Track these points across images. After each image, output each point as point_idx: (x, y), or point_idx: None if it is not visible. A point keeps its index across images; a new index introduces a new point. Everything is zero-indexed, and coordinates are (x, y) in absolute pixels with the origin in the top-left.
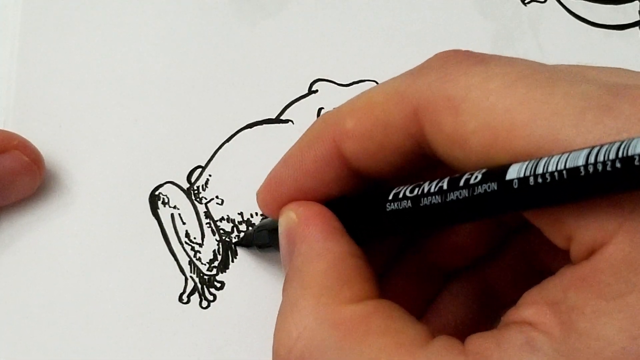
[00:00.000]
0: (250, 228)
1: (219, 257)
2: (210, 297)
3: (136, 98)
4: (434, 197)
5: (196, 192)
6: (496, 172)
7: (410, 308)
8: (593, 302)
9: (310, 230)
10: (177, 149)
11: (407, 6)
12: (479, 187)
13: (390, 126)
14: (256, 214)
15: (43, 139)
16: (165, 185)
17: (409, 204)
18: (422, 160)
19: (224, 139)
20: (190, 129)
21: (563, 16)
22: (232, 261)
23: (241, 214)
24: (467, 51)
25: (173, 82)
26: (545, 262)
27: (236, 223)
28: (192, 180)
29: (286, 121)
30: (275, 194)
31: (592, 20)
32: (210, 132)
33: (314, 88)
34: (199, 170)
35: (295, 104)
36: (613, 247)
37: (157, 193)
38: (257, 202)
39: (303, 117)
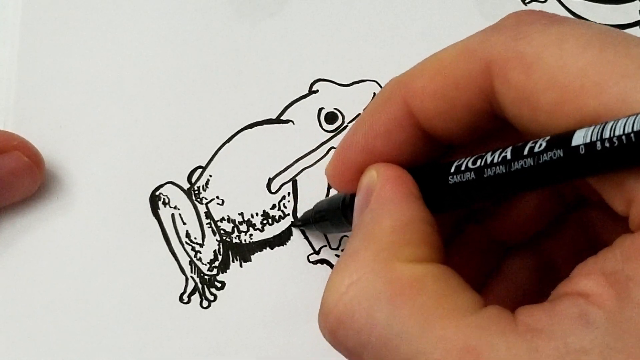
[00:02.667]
0: (250, 228)
1: (220, 257)
2: (211, 297)
3: (136, 98)
4: (498, 167)
5: (197, 192)
6: (561, 139)
7: (470, 280)
8: None
9: (386, 189)
10: (177, 150)
11: (407, 6)
12: (544, 154)
13: (461, 84)
14: (257, 214)
15: (43, 139)
16: (165, 186)
17: (472, 175)
18: (493, 120)
19: (225, 139)
20: (191, 129)
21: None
22: (233, 261)
23: (242, 214)
24: (541, 11)
25: (173, 83)
26: (603, 237)
27: (237, 223)
28: (193, 180)
29: (286, 121)
30: (348, 161)
31: (592, 20)
32: (210, 132)
33: (314, 88)
34: (200, 170)
35: (296, 104)
36: None
37: (157, 193)
38: (328, 173)
39: (303, 117)
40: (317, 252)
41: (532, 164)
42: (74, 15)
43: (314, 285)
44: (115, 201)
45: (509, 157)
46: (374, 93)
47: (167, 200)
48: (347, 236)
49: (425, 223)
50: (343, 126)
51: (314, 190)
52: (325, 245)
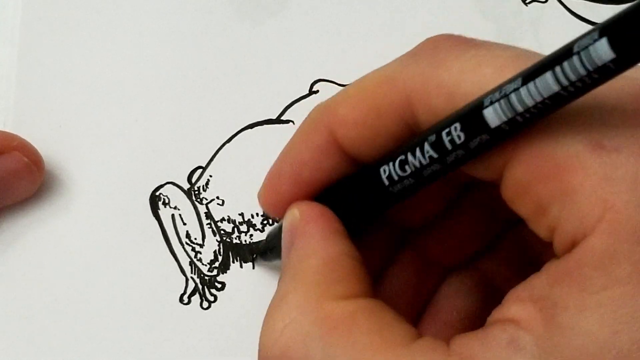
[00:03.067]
0: (251, 228)
1: (220, 258)
2: (211, 298)
3: (137, 98)
4: (433, 166)
5: (197, 192)
6: (475, 122)
7: (410, 305)
8: (576, 296)
9: (309, 228)
10: (177, 150)
11: (408, 6)
12: (472, 142)
13: (383, 112)
14: (257, 214)
15: (43, 139)
16: (165, 186)
17: (411, 181)
18: None
19: (225, 140)
20: (191, 129)
21: (564, 16)
22: (233, 262)
23: (242, 214)
24: (458, 36)
25: (173, 83)
26: (541, 256)
27: (237, 224)
28: (193, 180)
29: (287, 121)
30: (276, 191)
31: (593, 20)
32: (210, 132)
33: (314, 88)
34: (200, 170)
35: (296, 104)
36: (595, 239)
37: (157, 194)
38: (260, 202)
39: (304, 117)
40: None
41: (463, 153)
42: (74, 16)
43: None
44: (115, 201)
45: (435, 155)
46: None
47: (167, 201)
48: None
49: (351, 258)
50: None
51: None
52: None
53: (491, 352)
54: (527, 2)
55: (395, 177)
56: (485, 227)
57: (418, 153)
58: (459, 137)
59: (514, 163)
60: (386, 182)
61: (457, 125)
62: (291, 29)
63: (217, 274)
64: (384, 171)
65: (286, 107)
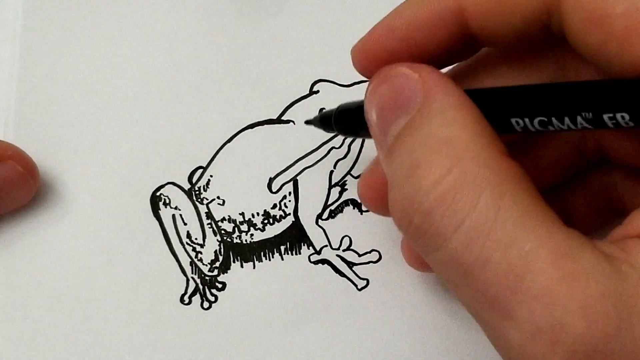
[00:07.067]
0: (251, 228)
1: (220, 258)
2: (212, 298)
3: (137, 99)
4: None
5: (197, 192)
6: None
7: None
8: None
9: (445, 85)
10: (178, 150)
11: None
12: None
13: None
14: (258, 213)
15: (44, 139)
16: (166, 186)
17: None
18: (543, 32)
19: (225, 140)
20: (191, 129)
21: None
22: (234, 262)
23: (242, 214)
24: None
25: (174, 83)
26: (624, 197)
27: (237, 223)
28: (194, 180)
29: (287, 121)
30: (381, 44)
31: None
32: (211, 132)
33: (315, 88)
34: (200, 170)
35: (297, 104)
36: None
37: (158, 194)
38: (354, 53)
39: (304, 117)
40: (318, 252)
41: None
42: (75, 17)
43: (314, 286)
44: (116, 202)
45: (589, 127)
46: None
47: (167, 201)
48: (349, 236)
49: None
50: None
51: (315, 190)
52: (326, 245)
53: (633, 257)
54: None
55: (530, 128)
56: (569, 162)
57: (567, 121)
58: (626, 123)
59: None
60: (516, 127)
61: (626, 115)
62: (291, 29)
63: (218, 274)
64: (517, 123)
65: (286, 107)
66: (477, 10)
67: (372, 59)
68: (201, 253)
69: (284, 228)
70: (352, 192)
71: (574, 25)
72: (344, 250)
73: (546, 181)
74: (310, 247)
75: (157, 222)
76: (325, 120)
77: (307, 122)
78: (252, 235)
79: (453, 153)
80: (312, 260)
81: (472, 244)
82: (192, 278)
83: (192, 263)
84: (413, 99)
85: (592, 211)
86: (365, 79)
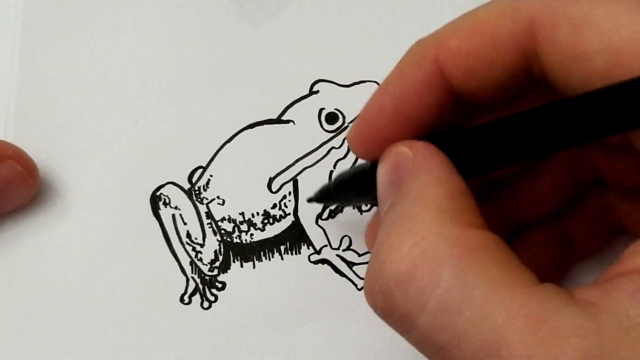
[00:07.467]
0: (251, 227)
1: (220, 258)
2: (212, 298)
3: (138, 99)
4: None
5: (197, 192)
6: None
7: None
8: None
9: (429, 162)
10: (178, 150)
11: (408, 7)
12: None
13: (500, 42)
14: (257, 213)
15: (44, 139)
16: (166, 186)
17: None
18: (527, 81)
19: (225, 140)
20: (191, 129)
21: None
22: (234, 262)
23: (242, 214)
24: None
25: (174, 83)
26: (624, 219)
27: (237, 223)
28: (193, 180)
29: (287, 121)
30: (373, 127)
31: None
32: (211, 132)
33: (315, 89)
34: (200, 170)
35: (296, 104)
36: None
37: (158, 194)
38: (351, 141)
39: (304, 117)
40: (318, 252)
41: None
42: (75, 17)
43: (314, 285)
44: (115, 202)
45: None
46: None
47: (167, 201)
48: (349, 235)
49: (469, 192)
50: (343, 126)
51: (314, 190)
52: (326, 245)
53: (616, 301)
54: None
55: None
56: (566, 188)
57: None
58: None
59: None
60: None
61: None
62: (291, 29)
63: (218, 274)
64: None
65: (286, 107)
66: (457, 71)
67: (368, 142)
68: (201, 253)
69: (284, 228)
70: None
71: (553, 68)
72: (343, 250)
73: (545, 208)
74: (310, 247)
75: (157, 222)
76: (325, 194)
77: (309, 200)
78: (252, 235)
79: (415, 231)
80: (312, 260)
81: (443, 324)
82: (192, 278)
83: (192, 263)
84: (403, 178)
85: (594, 234)
86: (365, 79)
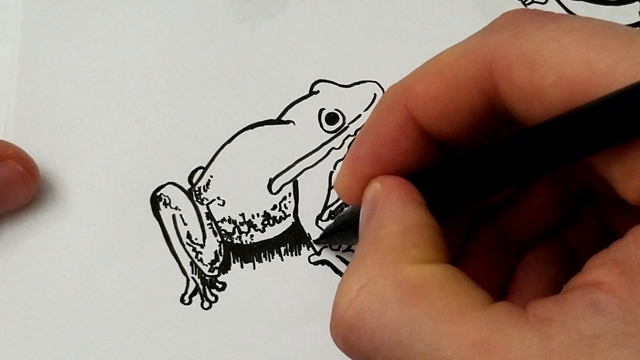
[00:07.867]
0: (251, 228)
1: (221, 258)
2: (212, 298)
3: (138, 99)
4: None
5: (197, 193)
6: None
7: (490, 280)
8: None
9: (391, 197)
10: (178, 150)
11: (408, 7)
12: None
13: (463, 86)
14: (257, 214)
15: (44, 139)
16: (166, 186)
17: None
18: (495, 119)
19: (225, 140)
20: (192, 130)
21: None
22: (234, 262)
23: (242, 214)
24: (535, 10)
25: (174, 84)
26: (618, 229)
27: (237, 224)
28: (194, 181)
29: (287, 122)
30: (355, 174)
31: None
32: (211, 133)
33: (315, 89)
34: (200, 171)
35: (297, 104)
36: None
37: (158, 194)
38: (337, 188)
39: (304, 117)
40: (318, 253)
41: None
42: (75, 17)
43: (314, 286)
44: (116, 202)
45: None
46: (375, 94)
47: (168, 201)
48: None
49: (429, 227)
50: (344, 127)
51: (314, 191)
52: (326, 246)
53: (570, 314)
54: (526, 3)
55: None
56: (561, 202)
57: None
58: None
59: None
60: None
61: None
62: (291, 30)
63: (218, 274)
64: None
65: (286, 107)
66: (426, 115)
67: (352, 189)
68: (201, 253)
69: (284, 229)
70: None
71: (513, 105)
72: (344, 251)
73: (542, 224)
74: (310, 248)
75: (157, 222)
76: (327, 234)
77: (316, 242)
78: (252, 236)
79: (362, 274)
80: (312, 260)
81: None
82: (193, 278)
83: (192, 263)
84: (375, 205)
85: (594, 246)
86: (365, 79)
